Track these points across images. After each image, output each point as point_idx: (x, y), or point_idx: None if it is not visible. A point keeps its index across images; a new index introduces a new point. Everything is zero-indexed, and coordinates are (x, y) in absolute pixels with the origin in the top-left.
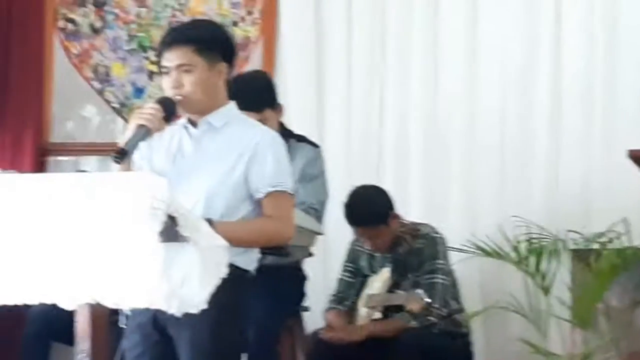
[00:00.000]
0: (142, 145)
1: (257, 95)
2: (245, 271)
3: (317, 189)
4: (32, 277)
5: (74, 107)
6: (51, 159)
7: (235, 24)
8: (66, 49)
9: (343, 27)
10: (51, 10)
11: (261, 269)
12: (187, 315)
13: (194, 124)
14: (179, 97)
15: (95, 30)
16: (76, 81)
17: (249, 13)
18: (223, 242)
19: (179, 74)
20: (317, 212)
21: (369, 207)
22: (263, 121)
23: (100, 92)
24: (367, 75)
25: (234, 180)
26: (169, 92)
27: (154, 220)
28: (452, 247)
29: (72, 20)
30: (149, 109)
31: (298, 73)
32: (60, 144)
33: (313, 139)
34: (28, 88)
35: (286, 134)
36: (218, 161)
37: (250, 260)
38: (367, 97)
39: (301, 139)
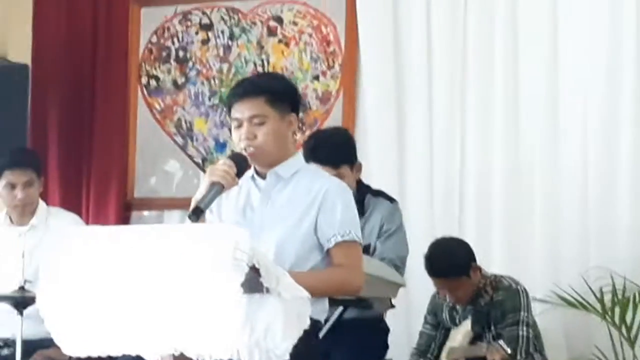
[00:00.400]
0: None
1: (335, 150)
2: (317, 321)
3: (396, 245)
4: (115, 328)
5: (157, 162)
6: (135, 213)
7: (316, 78)
8: (149, 105)
9: (424, 80)
10: (134, 67)
11: (344, 321)
12: None
13: (261, 175)
14: (251, 149)
15: (178, 86)
16: (159, 136)
17: (330, 67)
18: (305, 294)
19: (251, 125)
20: (397, 268)
21: (450, 259)
22: (339, 177)
23: (183, 147)
24: (447, 128)
25: (304, 230)
26: (240, 144)
27: (237, 271)
28: (535, 298)
29: (155, 77)
30: (222, 166)
31: (379, 126)
32: (144, 199)
33: (394, 192)
34: (112, 144)
35: (363, 189)
36: (287, 213)
37: (321, 310)
38: (448, 149)
39: (378, 194)
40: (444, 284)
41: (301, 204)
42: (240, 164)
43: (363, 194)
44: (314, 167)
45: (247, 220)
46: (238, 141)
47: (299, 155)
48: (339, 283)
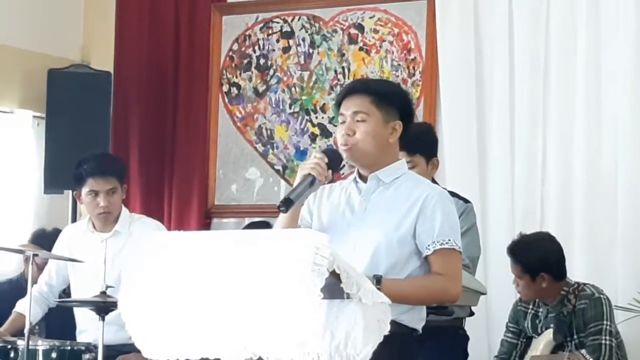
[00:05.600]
0: (310, 199)
1: (412, 137)
2: (413, 330)
3: (468, 244)
4: (196, 332)
5: (238, 169)
6: (215, 220)
7: None
8: (230, 113)
9: (504, 86)
10: (216, 74)
11: (424, 327)
12: None
13: (363, 179)
14: (347, 145)
15: (259, 94)
16: (240, 144)
17: (411, 75)
18: (386, 299)
19: (353, 122)
20: (467, 269)
21: (533, 249)
22: (411, 164)
23: (263, 155)
24: (529, 136)
25: (401, 235)
26: (340, 140)
27: (317, 277)
28: (618, 307)
29: (236, 84)
30: (313, 159)
31: (459, 133)
32: (225, 206)
33: (474, 199)
34: (193, 151)
35: None
36: (385, 216)
37: (417, 319)
38: (529, 157)
39: (452, 194)
40: (514, 269)
41: (400, 209)
42: (333, 157)
43: None
44: (416, 175)
45: (346, 223)
46: (339, 138)
47: (402, 162)
48: (438, 291)
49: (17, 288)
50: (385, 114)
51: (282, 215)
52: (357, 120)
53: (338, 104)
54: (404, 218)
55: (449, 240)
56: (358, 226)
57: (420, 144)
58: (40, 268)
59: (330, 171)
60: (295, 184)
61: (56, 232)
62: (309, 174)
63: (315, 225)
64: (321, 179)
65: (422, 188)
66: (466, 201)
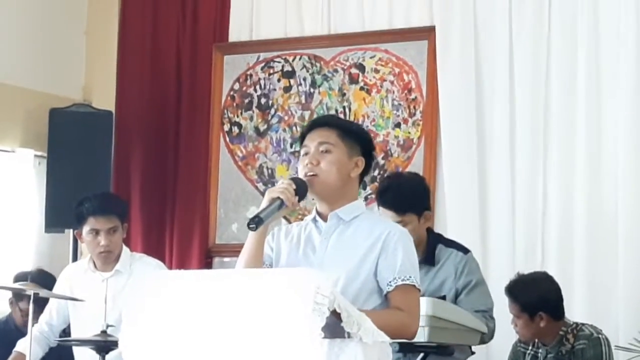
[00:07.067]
0: (269, 237)
1: (403, 197)
2: None
3: (484, 295)
4: None
5: (239, 208)
6: (216, 259)
7: (397, 125)
8: (231, 152)
9: (505, 127)
10: (217, 114)
11: None
12: None
13: (323, 217)
14: (311, 174)
15: (260, 133)
16: (241, 183)
17: (411, 115)
18: (386, 338)
19: (317, 152)
20: (493, 320)
21: (529, 287)
22: (402, 224)
23: (264, 194)
24: (529, 177)
25: (363, 273)
26: (302, 170)
27: (318, 316)
28: (619, 347)
29: (237, 124)
30: (281, 184)
31: (460, 173)
32: (226, 245)
33: (475, 241)
34: (195, 190)
35: (434, 239)
36: (347, 255)
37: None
38: (530, 198)
39: (450, 244)
40: (513, 308)
41: (362, 247)
42: (300, 185)
43: (434, 244)
44: (375, 213)
45: (308, 262)
46: (302, 168)
47: (361, 202)
48: (397, 326)
49: (4, 330)
50: (349, 148)
51: (249, 237)
52: (322, 151)
53: (302, 137)
54: (365, 256)
55: (410, 277)
56: (320, 265)
57: (410, 203)
58: (21, 309)
59: (297, 198)
60: (263, 206)
61: (40, 273)
62: (278, 197)
63: (275, 264)
64: (289, 203)
65: (384, 226)
66: (466, 251)
